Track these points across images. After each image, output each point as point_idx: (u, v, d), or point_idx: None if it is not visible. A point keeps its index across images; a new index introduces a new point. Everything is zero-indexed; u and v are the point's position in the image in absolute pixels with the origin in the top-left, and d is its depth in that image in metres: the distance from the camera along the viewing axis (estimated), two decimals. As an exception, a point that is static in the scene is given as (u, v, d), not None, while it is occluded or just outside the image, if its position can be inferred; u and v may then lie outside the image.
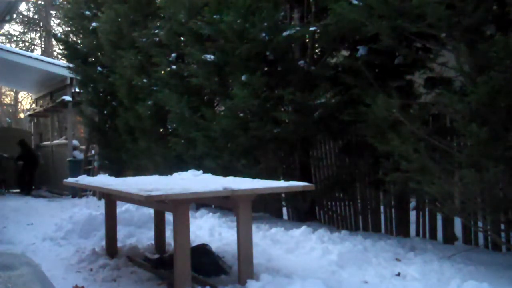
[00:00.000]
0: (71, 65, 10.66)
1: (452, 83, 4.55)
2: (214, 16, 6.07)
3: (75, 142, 12.55)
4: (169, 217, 4.76)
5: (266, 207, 7.10)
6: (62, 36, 12.04)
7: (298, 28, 5.71)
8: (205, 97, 7.40)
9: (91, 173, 10.60)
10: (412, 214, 5.44)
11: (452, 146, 4.41)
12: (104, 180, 4.78)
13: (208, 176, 4.74)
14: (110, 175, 5.88)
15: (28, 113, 17.61)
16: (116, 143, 9.60)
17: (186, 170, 5.18)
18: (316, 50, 6.17)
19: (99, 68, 9.93)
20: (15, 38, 26.84)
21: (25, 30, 27.48)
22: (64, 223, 5.83)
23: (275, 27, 5.78)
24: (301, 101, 5.64)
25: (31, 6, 27.11)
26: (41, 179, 13.77)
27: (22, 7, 25.62)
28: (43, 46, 26.58)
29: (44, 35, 26.32)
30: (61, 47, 11.66)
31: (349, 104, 5.18)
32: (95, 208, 7.32)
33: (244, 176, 4.82)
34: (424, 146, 4.10)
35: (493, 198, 4.05)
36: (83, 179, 5.01)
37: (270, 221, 6.29)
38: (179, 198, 3.47)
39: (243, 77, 5.82)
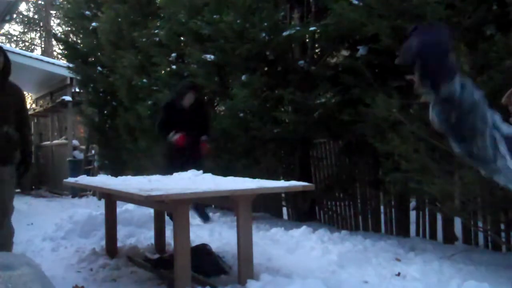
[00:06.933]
0: (71, 65, 10.64)
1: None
2: (214, 16, 6.07)
3: (75, 142, 12.55)
4: (169, 217, 4.77)
5: (266, 207, 7.10)
6: (62, 36, 12.05)
7: (298, 28, 5.71)
8: (205, 97, 7.40)
9: (91, 173, 10.60)
10: (412, 214, 5.43)
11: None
12: (104, 180, 4.78)
13: (208, 176, 4.74)
14: (111, 175, 5.88)
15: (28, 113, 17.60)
16: (116, 143, 9.59)
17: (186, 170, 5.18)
18: (316, 50, 6.17)
19: (99, 68, 9.91)
20: (15, 38, 26.86)
21: (25, 30, 27.51)
22: (64, 223, 5.82)
23: (275, 27, 5.78)
24: (301, 101, 5.64)
25: (31, 6, 27.14)
26: (41, 179, 13.75)
27: (22, 7, 25.63)
28: (43, 46, 26.59)
29: (44, 35, 26.33)
30: (61, 47, 11.66)
31: (349, 104, 5.18)
32: (95, 208, 7.31)
33: (244, 176, 4.82)
34: (424, 146, 4.10)
35: (493, 198, 4.05)
36: (83, 179, 5.01)
37: (270, 221, 6.28)
38: (179, 198, 3.47)
39: (243, 77, 5.82)
